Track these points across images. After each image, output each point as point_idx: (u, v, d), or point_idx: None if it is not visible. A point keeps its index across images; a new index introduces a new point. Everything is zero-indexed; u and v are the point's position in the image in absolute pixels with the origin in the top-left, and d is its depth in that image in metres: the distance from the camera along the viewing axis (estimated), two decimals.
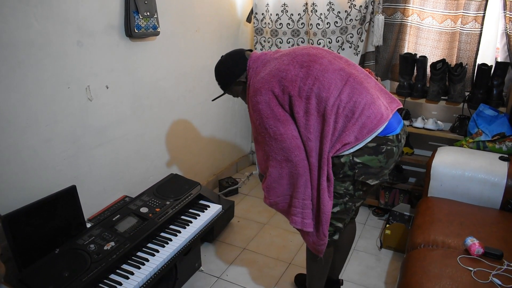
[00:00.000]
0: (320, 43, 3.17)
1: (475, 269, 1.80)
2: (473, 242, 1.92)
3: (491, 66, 2.75)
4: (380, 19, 3.03)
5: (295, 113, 1.74)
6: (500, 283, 1.72)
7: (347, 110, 1.70)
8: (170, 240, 2.23)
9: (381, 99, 1.80)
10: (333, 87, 1.71)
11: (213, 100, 2.20)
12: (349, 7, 3.10)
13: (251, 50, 2.04)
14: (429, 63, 2.92)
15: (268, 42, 3.44)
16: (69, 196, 2.13)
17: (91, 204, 2.40)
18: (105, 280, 1.94)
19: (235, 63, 1.98)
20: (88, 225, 2.27)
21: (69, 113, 2.20)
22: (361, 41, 3.15)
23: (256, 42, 3.51)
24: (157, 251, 2.14)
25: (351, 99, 1.71)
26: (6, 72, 1.87)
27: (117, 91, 2.46)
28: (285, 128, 1.76)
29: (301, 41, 3.33)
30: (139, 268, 2.02)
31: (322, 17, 3.14)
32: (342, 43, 3.18)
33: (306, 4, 3.19)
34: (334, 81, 1.72)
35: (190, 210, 2.51)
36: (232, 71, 1.98)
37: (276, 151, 1.80)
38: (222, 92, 2.10)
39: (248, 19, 3.53)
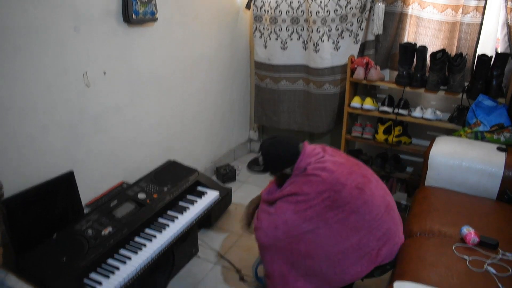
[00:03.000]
0: (319, 31, 3.16)
1: (470, 258, 1.81)
2: (469, 232, 1.93)
3: (491, 56, 2.74)
4: (380, 7, 3.01)
5: (329, 217, 1.90)
6: (494, 272, 1.73)
7: (380, 234, 1.92)
8: (168, 225, 2.24)
9: (399, 229, 2.05)
10: (376, 213, 1.92)
11: (250, 169, 2.19)
12: None
13: (302, 141, 2.12)
14: (429, 53, 2.91)
15: (267, 29, 3.41)
16: (67, 181, 2.13)
17: (89, 190, 2.40)
18: (102, 265, 1.94)
19: (287, 155, 2.04)
20: (86, 210, 2.27)
21: (67, 100, 2.19)
22: (361, 30, 3.14)
23: (255, 30, 3.48)
24: (155, 236, 2.15)
25: (385, 225, 1.94)
26: (2, 58, 1.85)
27: (114, 77, 2.44)
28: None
29: (301, 29, 3.31)
30: (136, 253, 2.03)
31: (322, 4, 3.11)
32: (342, 31, 3.17)
33: None
34: (378, 207, 1.94)
35: (188, 196, 2.51)
36: (282, 163, 2.06)
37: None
38: (261, 169, 2.13)
39: (248, 6, 3.50)
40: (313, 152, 2.05)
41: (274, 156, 2.07)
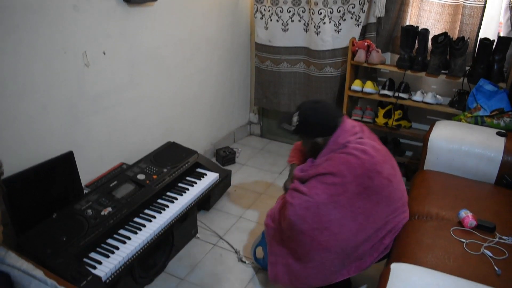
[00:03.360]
0: (321, 13, 3.12)
1: (467, 241, 1.83)
2: (466, 215, 1.94)
3: (493, 40, 2.72)
4: None
5: (352, 201, 1.87)
6: (491, 254, 1.75)
7: (391, 227, 1.95)
8: (167, 206, 2.25)
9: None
10: (394, 207, 1.96)
11: (279, 126, 2.09)
12: None
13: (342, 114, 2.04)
14: (430, 36, 2.88)
15: (269, 11, 3.38)
16: (66, 161, 2.13)
17: (88, 171, 2.40)
18: (102, 245, 1.96)
19: (327, 124, 1.96)
20: (85, 191, 2.28)
21: (66, 79, 2.18)
22: (363, 12, 3.10)
23: (256, 11, 3.45)
24: (154, 217, 2.16)
25: (397, 219, 1.98)
26: (2, 36, 1.83)
27: (114, 57, 2.43)
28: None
29: (302, 11, 3.28)
30: (136, 233, 2.04)
31: None
32: (344, 14, 3.14)
33: None
34: (398, 202, 1.98)
35: (187, 178, 2.52)
36: (316, 131, 1.97)
37: None
38: (291, 129, 2.02)
39: None
40: (353, 130, 1.97)
41: (311, 122, 1.97)
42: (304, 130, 1.99)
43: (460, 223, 1.95)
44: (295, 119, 1.99)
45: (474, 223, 1.91)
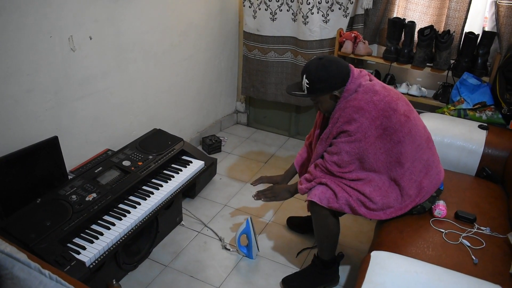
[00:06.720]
0: (309, 3, 3.12)
1: (446, 231, 1.88)
2: (437, 203, 1.98)
3: (478, 35, 2.76)
4: None
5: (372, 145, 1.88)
6: (468, 244, 1.80)
7: (421, 165, 1.95)
8: (152, 193, 2.26)
9: (438, 160, 2.07)
10: (418, 143, 1.93)
11: (290, 93, 2.05)
12: None
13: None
14: (417, 29, 2.91)
15: None
16: (51, 146, 2.12)
17: (73, 156, 2.39)
18: (86, 230, 1.97)
19: (339, 75, 1.91)
20: (70, 176, 2.27)
21: (51, 63, 2.15)
22: (351, 3, 3.11)
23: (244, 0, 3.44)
24: (139, 203, 2.17)
25: (424, 156, 1.96)
26: None
27: (101, 42, 2.41)
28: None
29: (291, 0, 3.27)
30: (120, 219, 2.05)
31: None
32: (332, 4, 3.14)
33: None
34: (420, 138, 1.95)
35: (173, 165, 2.52)
36: (333, 82, 1.91)
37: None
38: (304, 93, 1.97)
39: None
40: (361, 74, 1.96)
41: (324, 78, 1.90)
42: (318, 88, 1.93)
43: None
44: (305, 82, 1.94)
45: (441, 212, 1.96)
